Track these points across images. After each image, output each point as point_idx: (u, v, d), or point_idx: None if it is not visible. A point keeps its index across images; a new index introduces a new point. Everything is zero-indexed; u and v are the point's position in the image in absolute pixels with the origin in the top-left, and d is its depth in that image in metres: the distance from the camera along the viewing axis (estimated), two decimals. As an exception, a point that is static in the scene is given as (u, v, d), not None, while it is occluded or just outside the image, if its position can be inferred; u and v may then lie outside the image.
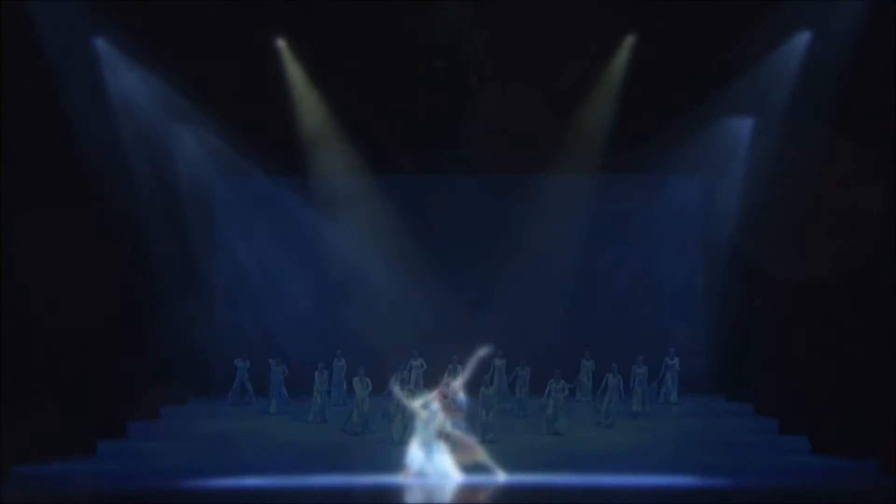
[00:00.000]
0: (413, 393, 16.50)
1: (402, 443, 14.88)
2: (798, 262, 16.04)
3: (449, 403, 14.44)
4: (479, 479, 13.79)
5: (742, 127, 19.24)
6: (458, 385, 17.02)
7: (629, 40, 16.14)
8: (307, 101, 18.28)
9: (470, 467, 14.09)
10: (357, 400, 17.00)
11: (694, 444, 15.81)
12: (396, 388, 15.68)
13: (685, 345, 21.67)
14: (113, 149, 16.42)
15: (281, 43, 16.68)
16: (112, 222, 16.49)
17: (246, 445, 16.01)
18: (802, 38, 15.90)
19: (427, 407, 14.48)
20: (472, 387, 18.04)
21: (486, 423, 15.82)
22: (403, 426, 15.42)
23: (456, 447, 14.11)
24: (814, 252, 15.21)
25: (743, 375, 19.41)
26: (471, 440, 14.26)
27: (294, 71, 17.40)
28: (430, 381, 18.78)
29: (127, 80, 16.76)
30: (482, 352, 17.05)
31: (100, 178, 15.67)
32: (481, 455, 14.13)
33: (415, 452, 14.20)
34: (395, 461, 14.69)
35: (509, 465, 14.39)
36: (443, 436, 14.22)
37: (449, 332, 22.21)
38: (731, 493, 13.00)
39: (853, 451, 14.62)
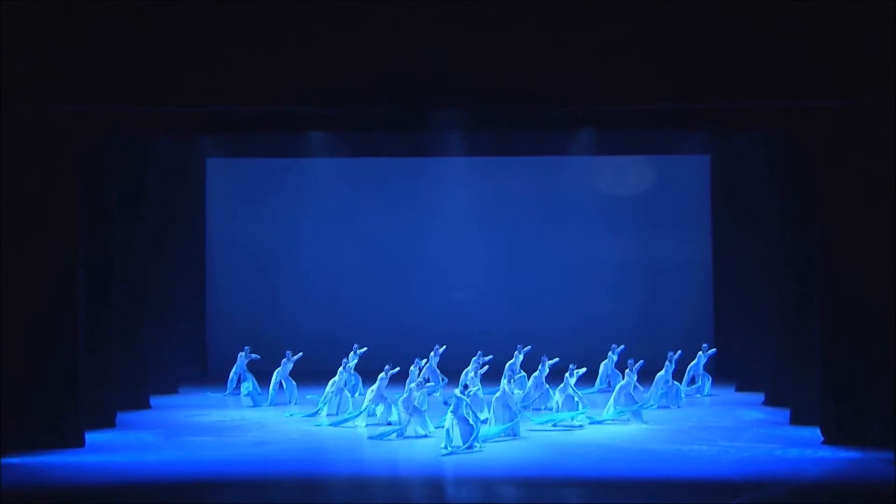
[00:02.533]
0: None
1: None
2: (811, 247, 15.96)
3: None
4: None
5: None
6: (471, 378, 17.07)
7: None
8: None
9: None
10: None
11: (702, 436, 15.74)
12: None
13: (693, 333, 21.69)
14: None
15: None
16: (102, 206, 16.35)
17: (239, 437, 15.93)
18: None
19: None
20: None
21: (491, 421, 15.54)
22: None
23: None
24: (820, 237, 15.10)
25: (753, 364, 19.35)
26: None
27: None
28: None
29: None
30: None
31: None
32: None
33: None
34: (397, 456, 14.67)
35: (514, 459, 14.34)
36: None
37: (449, 318, 22.25)
38: (742, 486, 12.92)
39: (868, 442, 14.55)
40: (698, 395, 19.10)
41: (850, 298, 14.80)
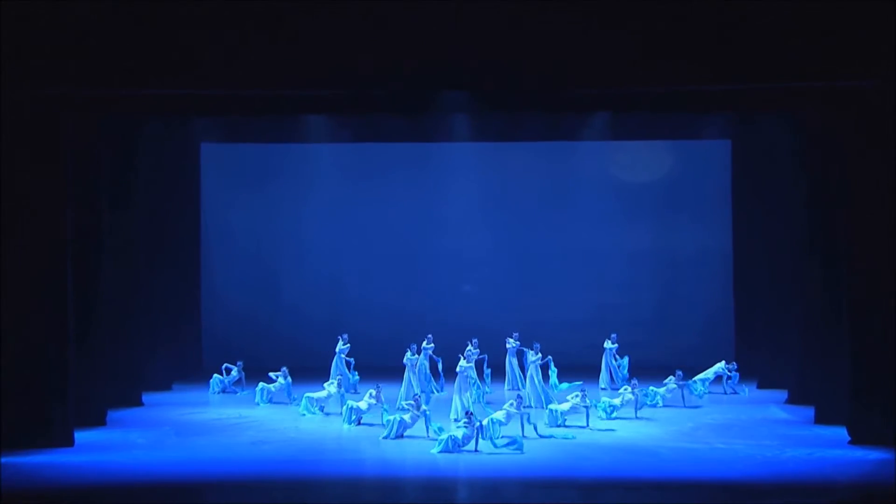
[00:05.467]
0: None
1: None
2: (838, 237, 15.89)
3: None
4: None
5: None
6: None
7: None
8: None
9: None
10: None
11: (722, 435, 15.70)
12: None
13: (712, 326, 21.61)
14: None
15: None
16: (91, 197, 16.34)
17: (235, 436, 15.93)
18: None
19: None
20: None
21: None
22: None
23: None
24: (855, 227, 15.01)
25: (776, 360, 19.29)
26: None
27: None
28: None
29: None
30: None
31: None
32: None
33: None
34: (396, 456, 14.65)
35: (518, 460, 14.34)
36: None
37: (455, 310, 22.23)
38: (763, 489, 12.91)
39: (896, 442, 14.52)
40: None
41: (880, 290, 14.71)
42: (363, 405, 16.40)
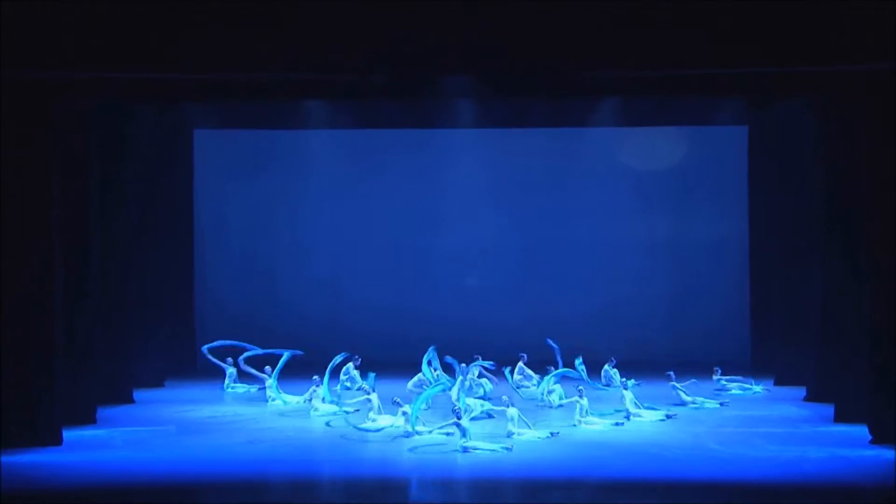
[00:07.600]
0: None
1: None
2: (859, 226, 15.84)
3: None
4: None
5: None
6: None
7: None
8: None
9: None
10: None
11: (738, 435, 15.67)
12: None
13: (728, 320, 21.58)
14: None
15: None
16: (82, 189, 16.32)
17: (231, 435, 15.92)
18: None
19: None
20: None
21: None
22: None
23: None
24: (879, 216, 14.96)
25: (794, 356, 19.27)
26: None
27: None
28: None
29: None
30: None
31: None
32: None
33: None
34: (394, 455, 14.64)
35: (522, 460, 14.31)
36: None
37: (456, 304, 22.23)
38: (782, 490, 12.90)
39: (920, 441, 14.49)
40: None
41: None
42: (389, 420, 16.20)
